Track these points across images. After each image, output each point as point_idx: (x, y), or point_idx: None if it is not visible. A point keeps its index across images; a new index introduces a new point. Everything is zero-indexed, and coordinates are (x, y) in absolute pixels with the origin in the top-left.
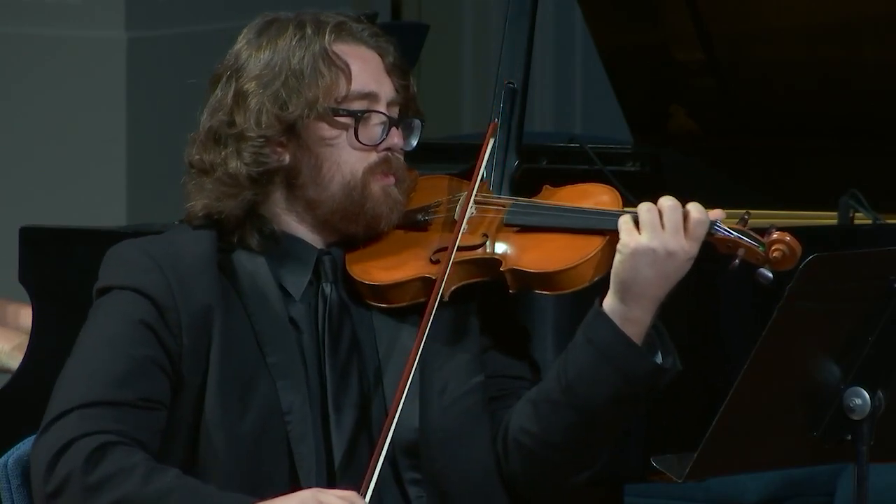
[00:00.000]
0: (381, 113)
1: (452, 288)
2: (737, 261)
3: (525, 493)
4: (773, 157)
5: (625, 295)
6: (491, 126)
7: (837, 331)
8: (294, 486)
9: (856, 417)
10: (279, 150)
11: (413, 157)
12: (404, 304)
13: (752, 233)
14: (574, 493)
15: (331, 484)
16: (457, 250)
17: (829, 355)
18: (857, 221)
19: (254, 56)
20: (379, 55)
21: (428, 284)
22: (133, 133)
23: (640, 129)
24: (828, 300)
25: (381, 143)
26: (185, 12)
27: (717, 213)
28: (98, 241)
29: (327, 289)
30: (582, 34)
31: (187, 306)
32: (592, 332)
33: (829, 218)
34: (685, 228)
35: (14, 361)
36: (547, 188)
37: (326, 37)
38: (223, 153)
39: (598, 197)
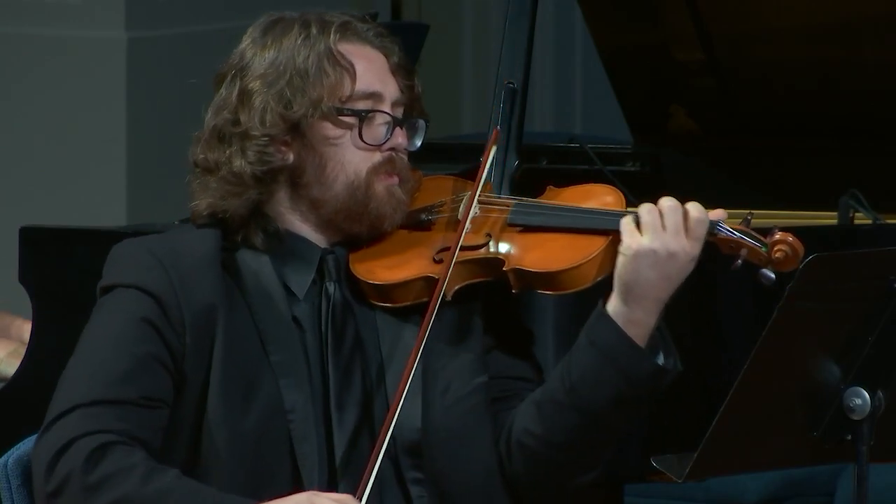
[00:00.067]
0: (386, 113)
1: (455, 288)
2: (739, 261)
3: (527, 494)
4: (773, 157)
5: (627, 296)
6: (494, 132)
7: (837, 331)
8: (296, 484)
9: (856, 417)
10: (283, 149)
11: (413, 156)
12: (408, 303)
13: (754, 233)
14: (574, 494)
15: (332, 483)
16: (460, 250)
17: (829, 355)
18: (857, 221)
19: (258, 55)
20: (384, 55)
21: (431, 284)
22: (133, 133)
23: (640, 129)
24: (828, 300)
25: (385, 142)
26: (185, 12)
27: (718, 213)
28: (98, 241)
29: (331, 288)
30: (582, 34)
31: (190, 305)
32: (595, 334)
33: (829, 218)
34: (686, 228)
35: (10, 368)
36: (550, 188)
37: (331, 36)
38: (227, 152)
39: (601, 197)
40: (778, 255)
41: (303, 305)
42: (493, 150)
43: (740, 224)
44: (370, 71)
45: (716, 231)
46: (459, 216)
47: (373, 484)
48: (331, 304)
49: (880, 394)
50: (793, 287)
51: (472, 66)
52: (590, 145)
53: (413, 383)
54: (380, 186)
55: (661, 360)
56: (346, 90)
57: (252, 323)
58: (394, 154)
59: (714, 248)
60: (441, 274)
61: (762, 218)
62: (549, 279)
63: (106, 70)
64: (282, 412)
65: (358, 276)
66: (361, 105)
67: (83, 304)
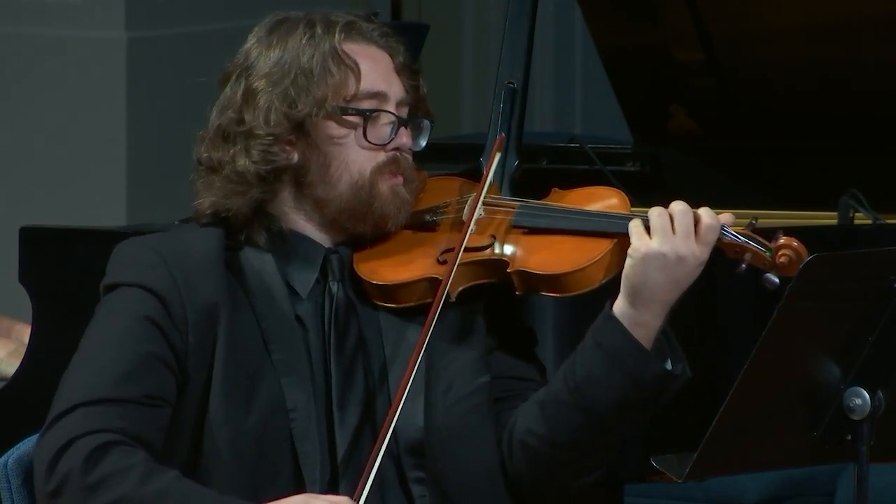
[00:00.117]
0: (390, 112)
1: (459, 289)
2: (744, 265)
3: (529, 494)
4: (773, 157)
5: (635, 299)
6: (499, 139)
7: (837, 331)
8: (297, 483)
9: (856, 417)
10: (288, 148)
11: (413, 156)
12: (411, 304)
13: (759, 238)
14: (574, 494)
15: (333, 482)
16: (464, 251)
17: (829, 355)
18: (857, 221)
19: (264, 54)
20: (389, 55)
21: (435, 285)
22: (133, 133)
23: (640, 129)
24: (828, 300)
25: (389, 142)
26: (185, 12)
27: (726, 218)
28: (98, 241)
29: (334, 287)
30: (582, 34)
31: (193, 303)
32: (602, 336)
33: (829, 218)
34: (696, 233)
35: (10, 368)
36: (556, 190)
37: (336, 36)
38: (232, 151)
39: (606, 200)
40: (782, 259)
41: (306, 304)
42: (498, 156)
43: (745, 228)
44: (375, 71)
45: (721, 235)
46: (464, 217)
47: (373, 484)
48: (334, 303)
49: (880, 394)
50: (793, 287)
51: (472, 66)
52: (590, 145)
53: (415, 383)
54: (384, 186)
55: (668, 365)
56: (351, 90)
57: (255, 322)
58: (398, 154)
59: (719, 252)
60: (444, 274)
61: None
62: (553, 281)
63: (106, 70)
64: (284, 411)
65: (361, 276)
66: (366, 105)
67: (83, 304)
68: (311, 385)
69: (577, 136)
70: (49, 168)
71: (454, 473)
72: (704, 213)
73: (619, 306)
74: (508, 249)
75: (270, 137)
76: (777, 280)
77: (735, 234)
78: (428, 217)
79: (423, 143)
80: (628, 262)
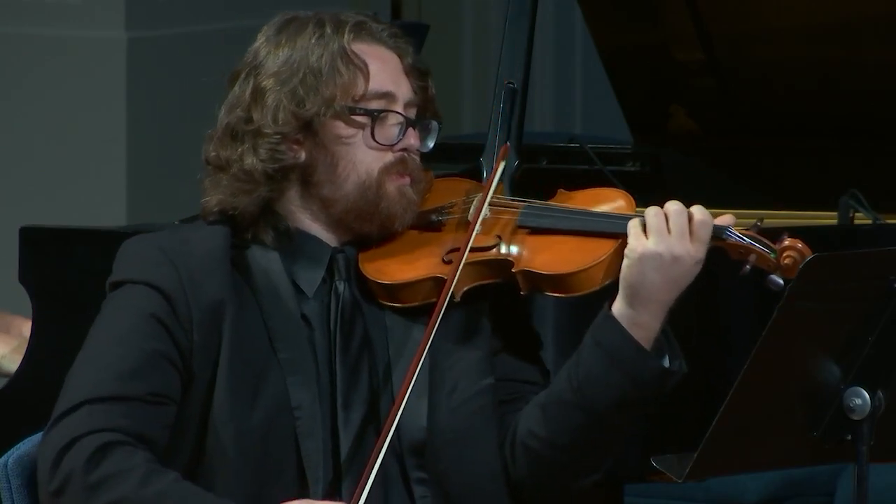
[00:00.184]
0: (398, 113)
1: (464, 289)
2: (748, 266)
3: (531, 497)
4: (773, 157)
5: (633, 299)
6: (503, 148)
7: (837, 331)
8: (301, 481)
9: (856, 417)
10: (295, 147)
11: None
12: (416, 303)
13: (763, 239)
14: (575, 495)
15: (336, 481)
16: (469, 251)
17: (829, 355)
18: (857, 221)
19: (272, 53)
20: (398, 55)
21: (440, 284)
22: (133, 133)
23: (640, 129)
24: (828, 300)
25: (397, 143)
26: (185, 12)
27: (727, 219)
28: (98, 241)
29: (340, 287)
30: (582, 34)
31: (199, 301)
32: (601, 336)
33: (829, 218)
34: (690, 231)
35: (12, 364)
36: (561, 192)
37: (345, 36)
38: (240, 150)
39: (612, 201)
40: (787, 261)
41: (312, 303)
42: (503, 164)
43: (750, 229)
44: (384, 71)
45: (725, 236)
46: (470, 217)
47: (376, 484)
48: (340, 302)
49: (880, 394)
50: (793, 287)
51: (472, 66)
52: (590, 145)
53: (419, 383)
54: (391, 186)
55: (666, 362)
56: (360, 90)
57: (261, 320)
58: (406, 154)
59: (723, 254)
60: (449, 274)
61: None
62: (558, 281)
63: (106, 70)
64: (288, 409)
65: (367, 275)
66: (374, 105)
67: (83, 304)
68: (316, 384)
69: (577, 136)
70: (49, 168)
71: (457, 474)
72: (697, 210)
73: (618, 306)
74: (513, 249)
75: (278, 136)
76: (781, 282)
77: (739, 236)
78: (434, 217)
79: (431, 144)
80: (625, 262)
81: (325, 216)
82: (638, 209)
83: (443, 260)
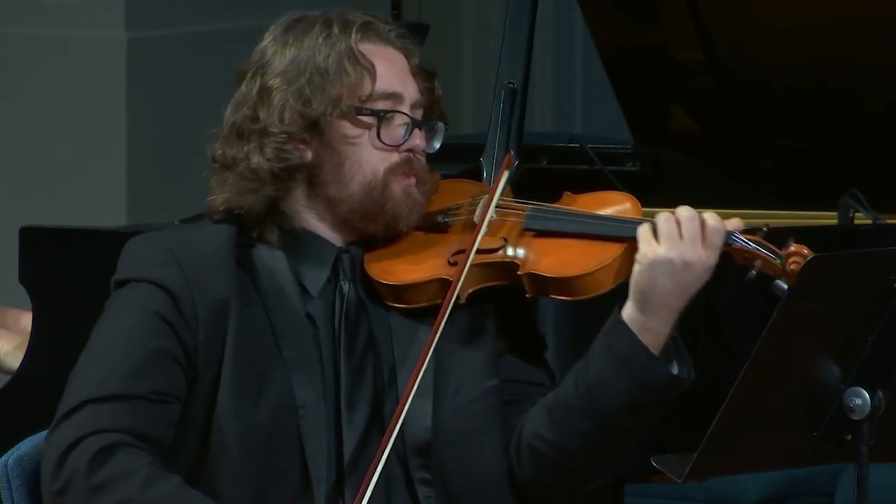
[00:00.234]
0: (405, 114)
1: (470, 290)
2: (754, 272)
3: (536, 499)
4: (773, 157)
5: (643, 304)
6: (507, 157)
7: (837, 331)
8: (305, 480)
9: (856, 417)
10: (301, 146)
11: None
12: (422, 304)
13: (769, 244)
14: (580, 498)
15: (340, 480)
16: (475, 253)
17: (829, 355)
18: (857, 221)
19: (279, 53)
20: (405, 56)
21: (445, 286)
22: (133, 133)
23: (640, 129)
24: (828, 300)
25: (403, 143)
26: (185, 12)
27: (734, 223)
28: (98, 241)
29: (345, 287)
30: (582, 34)
31: (204, 300)
32: (610, 340)
33: (829, 218)
34: (702, 237)
35: (15, 361)
36: (567, 195)
37: (353, 36)
38: (246, 148)
39: (618, 205)
40: (793, 266)
41: (317, 303)
42: (507, 174)
43: (756, 234)
44: (391, 72)
45: (731, 241)
46: (476, 219)
47: (379, 484)
48: (345, 302)
49: (880, 394)
50: (793, 287)
51: (472, 66)
52: (590, 145)
53: (424, 383)
54: (397, 187)
55: (675, 369)
56: (366, 90)
57: (266, 318)
58: (412, 155)
59: (729, 258)
60: (455, 275)
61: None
62: (563, 284)
63: (106, 70)
64: (293, 408)
65: (373, 276)
66: (381, 105)
67: (83, 304)
68: (321, 383)
69: (577, 136)
70: (49, 168)
71: (461, 476)
72: (710, 217)
73: (628, 311)
74: (519, 252)
75: (284, 135)
76: (787, 287)
77: (745, 241)
78: (440, 218)
79: (437, 145)
80: (636, 267)
81: (330, 216)
82: (651, 216)
83: (448, 261)
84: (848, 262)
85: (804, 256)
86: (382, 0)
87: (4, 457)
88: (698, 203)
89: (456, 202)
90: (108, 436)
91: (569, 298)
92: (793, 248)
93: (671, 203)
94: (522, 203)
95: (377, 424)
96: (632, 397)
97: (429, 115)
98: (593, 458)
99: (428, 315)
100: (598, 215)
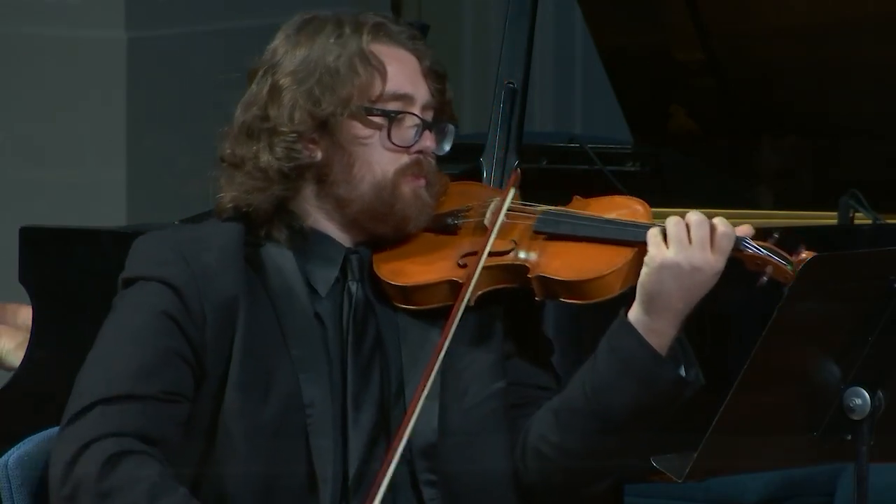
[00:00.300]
0: (415, 115)
1: (479, 293)
2: (765, 278)
3: (543, 501)
4: (773, 156)
5: (650, 307)
6: (514, 175)
7: (837, 331)
8: (310, 479)
9: (856, 417)
10: (311, 146)
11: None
12: (430, 306)
13: (781, 251)
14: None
15: (345, 480)
16: (486, 255)
17: (829, 355)
18: (857, 221)
19: (290, 52)
20: (416, 58)
21: (455, 288)
22: (133, 133)
23: (640, 129)
24: (828, 300)
25: (413, 145)
26: (185, 12)
27: (745, 229)
28: (98, 241)
29: (353, 287)
30: (582, 34)
31: (212, 298)
32: (617, 342)
33: (829, 218)
34: (711, 242)
35: (17, 359)
36: (577, 199)
37: (364, 37)
38: (255, 147)
39: (628, 209)
40: None
41: (325, 303)
42: (513, 191)
43: (767, 241)
44: (401, 73)
45: (742, 247)
46: (486, 222)
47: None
48: (353, 303)
49: (880, 394)
50: (793, 287)
51: (472, 66)
52: (590, 145)
53: (432, 385)
54: (406, 188)
55: (682, 371)
56: (377, 90)
57: (274, 317)
58: (421, 157)
59: (740, 264)
60: (466, 279)
61: (763, 218)
62: (574, 288)
63: (106, 70)
64: (300, 406)
65: (381, 276)
66: (391, 106)
67: (83, 304)
68: (328, 383)
69: (577, 136)
70: (49, 168)
71: (466, 477)
72: (720, 222)
73: (634, 313)
74: (529, 255)
75: (294, 135)
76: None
77: (757, 247)
78: (449, 220)
79: (447, 147)
80: (644, 270)
81: (339, 216)
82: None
83: (458, 263)
84: (848, 262)
85: None
86: (382, 0)
87: (4, 457)
88: (698, 203)
89: (465, 204)
90: (118, 441)
91: (579, 302)
92: (804, 254)
93: (671, 203)
94: (533, 206)
95: (383, 426)
96: (637, 399)
97: (439, 116)
98: (599, 461)
99: (436, 316)
100: (609, 219)
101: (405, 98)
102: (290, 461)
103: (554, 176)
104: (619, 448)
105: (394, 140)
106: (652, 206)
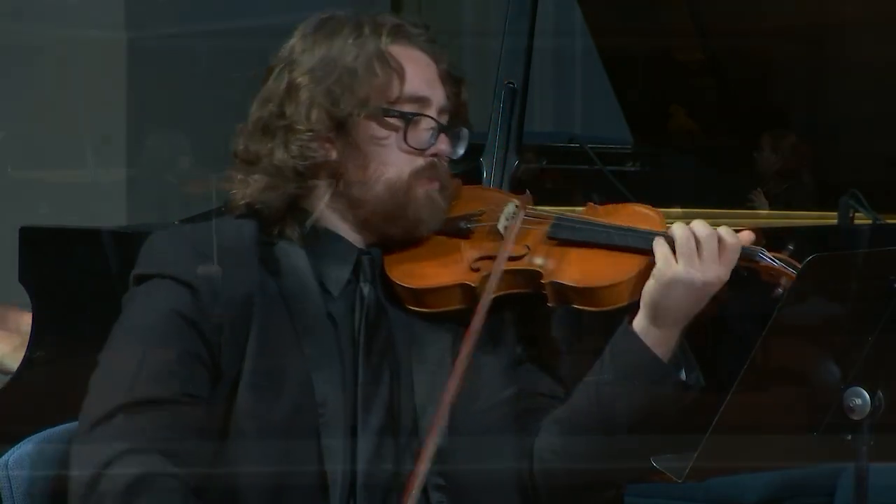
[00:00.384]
0: (432, 118)
1: (491, 297)
2: (780, 289)
3: None
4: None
5: (655, 317)
6: (524, 197)
7: (837, 331)
8: (321, 478)
9: (856, 417)
10: (327, 145)
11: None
12: (441, 309)
13: (796, 263)
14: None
15: (353, 481)
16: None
17: (829, 355)
18: (857, 221)
19: (308, 51)
20: (434, 61)
21: (466, 291)
22: (133, 133)
23: (640, 129)
24: (828, 300)
25: (429, 148)
26: (185, 12)
27: (746, 236)
28: (98, 241)
29: (365, 289)
30: (582, 34)
31: (227, 297)
32: (620, 349)
33: (829, 218)
34: (720, 255)
35: (14, 363)
36: (591, 205)
37: (383, 38)
38: (270, 145)
39: (642, 216)
40: None
41: (338, 303)
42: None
43: (782, 253)
44: (419, 75)
45: (758, 258)
46: (500, 228)
47: (392, 489)
48: (365, 304)
49: (880, 394)
50: (793, 287)
51: (472, 66)
52: (590, 145)
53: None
54: (420, 191)
55: (683, 375)
56: (395, 92)
57: (287, 315)
58: (436, 160)
59: (755, 274)
60: (477, 283)
61: (763, 218)
62: (587, 294)
63: (106, 70)
64: (313, 405)
65: (393, 279)
66: (408, 108)
67: (83, 304)
68: (340, 382)
69: (577, 136)
70: (49, 168)
71: (474, 482)
72: (727, 234)
73: (638, 321)
74: (543, 261)
75: (310, 133)
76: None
77: (772, 259)
78: (462, 224)
79: (462, 151)
80: (651, 283)
81: (352, 216)
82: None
83: (471, 267)
84: (848, 262)
85: None
86: (383, 0)
87: (4, 457)
88: (698, 202)
89: (478, 209)
90: (142, 460)
91: (592, 309)
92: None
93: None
94: (547, 212)
95: (391, 427)
96: (641, 405)
97: (454, 120)
98: (604, 467)
99: (446, 320)
100: (625, 227)
101: (422, 100)
102: (301, 460)
103: (554, 176)
104: (623, 452)
105: (409, 142)
106: (652, 206)
